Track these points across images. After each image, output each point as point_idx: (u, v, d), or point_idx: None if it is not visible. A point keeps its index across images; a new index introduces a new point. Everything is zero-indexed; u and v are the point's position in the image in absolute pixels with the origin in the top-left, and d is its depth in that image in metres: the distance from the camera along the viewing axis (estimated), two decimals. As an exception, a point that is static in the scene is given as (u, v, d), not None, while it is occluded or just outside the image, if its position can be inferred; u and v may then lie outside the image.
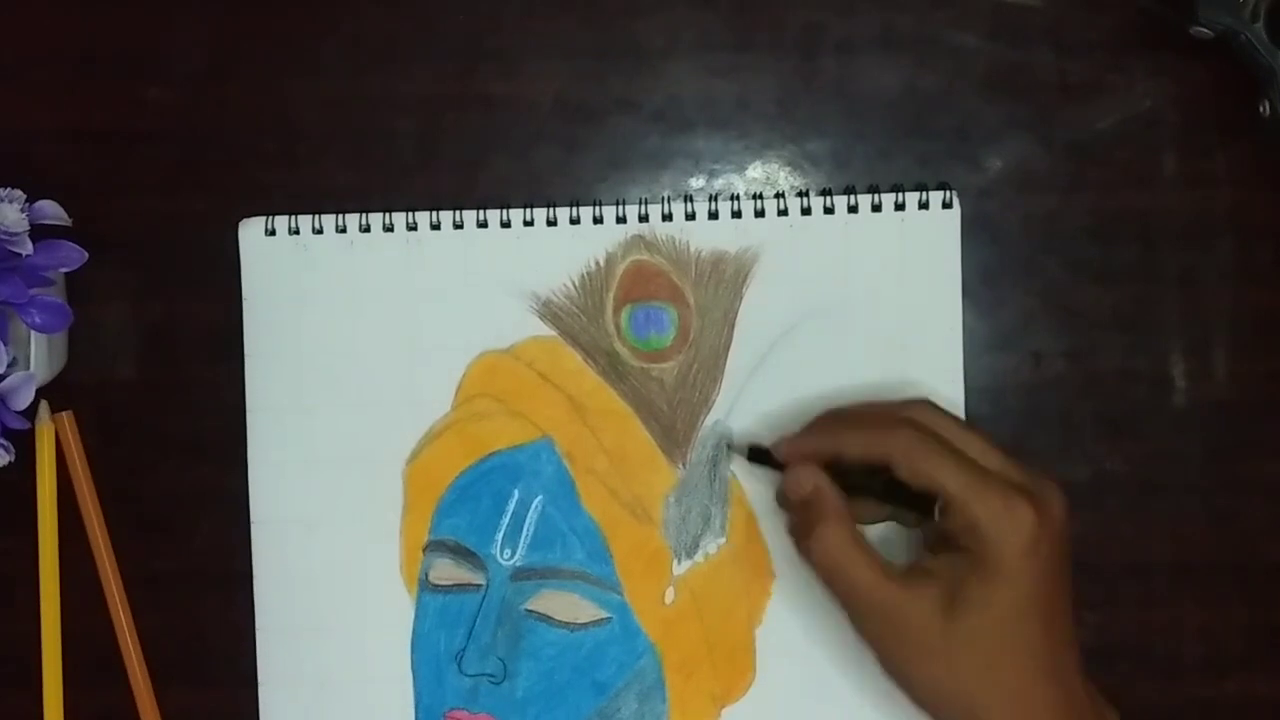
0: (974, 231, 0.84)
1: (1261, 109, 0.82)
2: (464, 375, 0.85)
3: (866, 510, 0.79)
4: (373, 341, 0.85)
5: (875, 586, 0.74)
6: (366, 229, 0.84)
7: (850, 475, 0.77)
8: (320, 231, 0.84)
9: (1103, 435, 0.85)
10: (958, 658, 0.73)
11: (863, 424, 0.78)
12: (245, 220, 0.84)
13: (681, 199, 0.85)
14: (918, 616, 0.74)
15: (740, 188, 0.85)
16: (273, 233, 0.84)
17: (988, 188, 0.85)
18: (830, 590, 0.76)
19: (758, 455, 0.81)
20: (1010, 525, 0.72)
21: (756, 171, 0.86)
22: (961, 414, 0.84)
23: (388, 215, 0.84)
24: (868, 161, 0.85)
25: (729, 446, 0.84)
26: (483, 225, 0.84)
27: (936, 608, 0.73)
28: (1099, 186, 0.85)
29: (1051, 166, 0.85)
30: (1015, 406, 0.85)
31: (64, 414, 0.85)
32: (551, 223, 0.84)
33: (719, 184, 0.85)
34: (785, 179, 0.85)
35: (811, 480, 0.77)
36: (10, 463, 0.81)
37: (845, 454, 0.77)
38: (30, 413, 0.82)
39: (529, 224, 0.84)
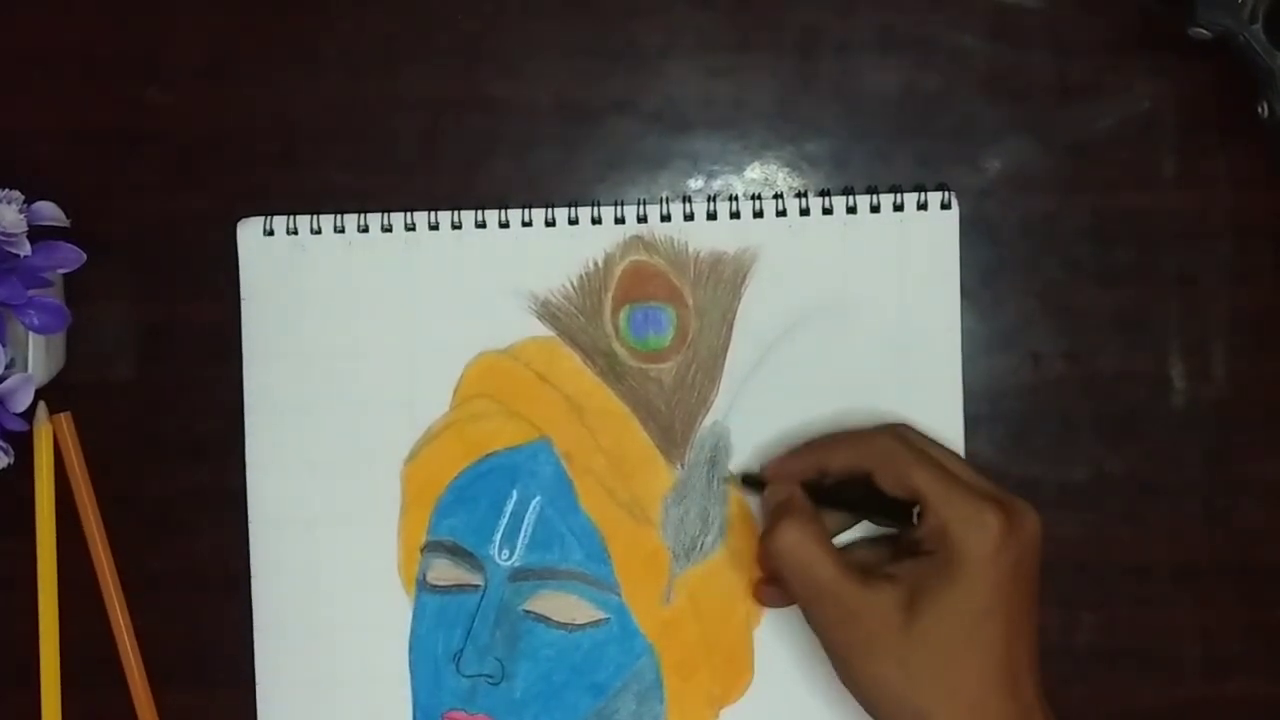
0: (973, 232, 0.84)
1: (1260, 110, 0.82)
2: (462, 375, 0.84)
3: (839, 521, 0.80)
4: (371, 342, 0.85)
5: (834, 580, 0.75)
6: (365, 229, 0.84)
7: (828, 492, 0.79)
8: (318, 232, 0.84)
9: (1102, 436, 0.85)
10: (913, 658, 0.73)
11: (845, 439, 0.80)
12: (243, 220, 0.84)
13: (680, 200, 0.85)
14: (876, 613, 0.74)
15: (739, 189, 0.85)
16: (271, 233, 0.84)
17: (987, 188, 0.85)
18: (790, 585, 0.77)
19: (750, 481, 0.83)
20: (977, 528, 0.73)
21: (755, 172, 0.86)
22: (960, 415, 0.84)
23: (386, 216, 0.84)
24: (866, 162, 0.85)
25: (725, 479, 0.84)
26: (481, 226, 0.84)
27: (896, 606, 0.73)
28: (1098, 187, 0.85)
29: (1051, 167, 0.85)
30: (1014, 407, 0.85)
31: (62, 415, 0.85)
32: (550, 223, 0.84)
33: (717, 185, 0.85)
34: (784, 180, 0.85)
35: (786, 491, 0.79)
36: (10, 464, 0.81)
37: (829, 467, 0.79)
38: (29, 414, 0.82)
39: (527, 225, 0.84)
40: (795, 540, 0.76)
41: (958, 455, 0.79)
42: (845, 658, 0.75)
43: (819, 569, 0.75)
